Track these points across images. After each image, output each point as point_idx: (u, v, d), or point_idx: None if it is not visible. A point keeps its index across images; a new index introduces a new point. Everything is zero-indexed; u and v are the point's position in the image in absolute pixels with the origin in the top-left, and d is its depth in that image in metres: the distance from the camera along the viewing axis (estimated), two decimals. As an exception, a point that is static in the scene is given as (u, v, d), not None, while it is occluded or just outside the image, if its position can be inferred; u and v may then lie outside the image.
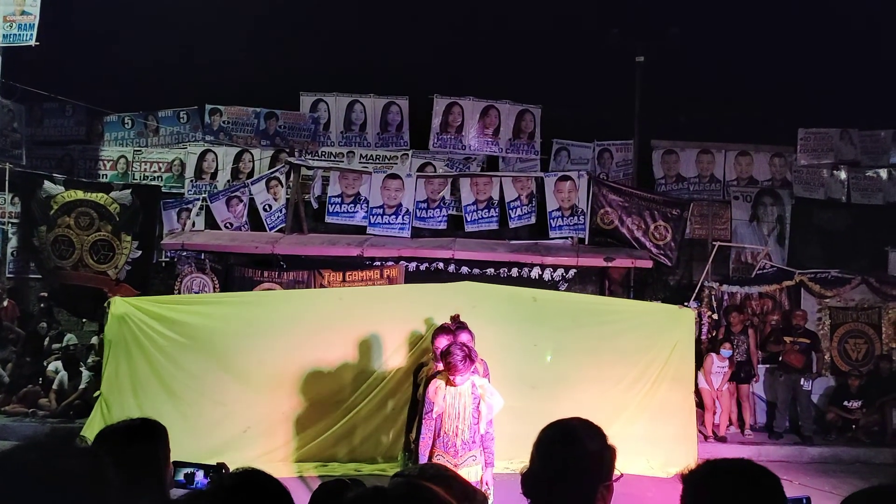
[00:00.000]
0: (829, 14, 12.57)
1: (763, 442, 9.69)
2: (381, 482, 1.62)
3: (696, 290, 10.71)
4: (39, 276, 12.20)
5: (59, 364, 10.14)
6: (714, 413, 9.73)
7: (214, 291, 10.29)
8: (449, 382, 5.23)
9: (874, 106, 12.61)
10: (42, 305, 11.74)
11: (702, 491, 1.85)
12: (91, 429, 7.79)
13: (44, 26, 10.77)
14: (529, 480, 2.09)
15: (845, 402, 10.11)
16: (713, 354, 9.66)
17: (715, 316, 10.42)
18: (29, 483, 1.34)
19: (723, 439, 9.57)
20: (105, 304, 8.35)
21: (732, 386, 9.95)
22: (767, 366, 10.37)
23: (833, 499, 6.98)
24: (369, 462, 7.99)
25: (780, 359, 10.08)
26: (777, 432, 9.89)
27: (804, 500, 2.06)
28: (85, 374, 9.88)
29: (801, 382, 9.89)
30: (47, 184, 11.51)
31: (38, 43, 10.73)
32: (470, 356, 5.19)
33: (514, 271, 10.53)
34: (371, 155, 13.47)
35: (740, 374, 9.94)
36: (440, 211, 11.92)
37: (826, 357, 10.65)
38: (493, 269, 10.52)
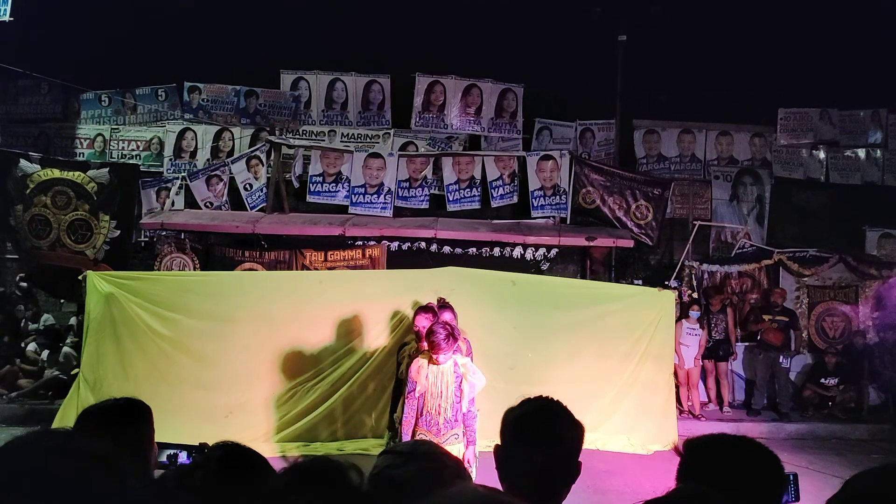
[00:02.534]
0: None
1: (741, 419, 9.82)
2: (365, 461, 1.63)
3: (677, 270, 10.81)
4: (16, 257, 12.02)
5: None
6: (689, 388, 9.78)
7: (195, 271, 10.18)
8: (432, 361, 5.25)
9: (854, 86, 12.69)
10: (23, 285, 11.56)
11: (702, 463, 1.86)
12: (68, 409, 7.74)
13: (18, 1, 10.52)
14: (507, 456, 2.06)
15: (822, 380, 10.27)
16: (683, 320, 9.66)
17: (695, 295, 10.51)
18: (50, 465, 1.34)
19: (697, 417, 9.67)
20: (80, 277, 8.22)
21: (710, 364, 10.07)
22: (746, 344, 10.50)
23: (810, 474, 7.12)
24: (352, 441, 8.01)
25: (760, 337, 10.21)
26: (755, 409, 10.04)
27: (791, 477, 2.08)
28: (65, 351, 9.78)
29: (781, 360, 10.03)
30: (23, 162, 11.30)
31: (11, 18, 10.49)
32: (453, 335, 5.21)
33: (497, 251, 10.55)
34: (353, 134, 13.36)
35: (719, 351, 10.05)
36: (422, 190, 11.89)
37: (804, 335, 10.81)
38: (475, 249, 10.54)
